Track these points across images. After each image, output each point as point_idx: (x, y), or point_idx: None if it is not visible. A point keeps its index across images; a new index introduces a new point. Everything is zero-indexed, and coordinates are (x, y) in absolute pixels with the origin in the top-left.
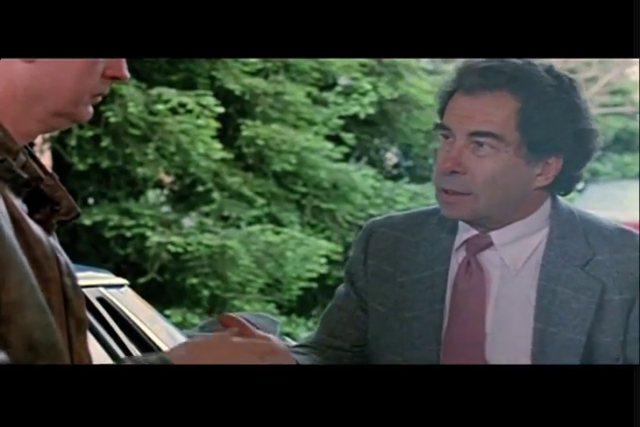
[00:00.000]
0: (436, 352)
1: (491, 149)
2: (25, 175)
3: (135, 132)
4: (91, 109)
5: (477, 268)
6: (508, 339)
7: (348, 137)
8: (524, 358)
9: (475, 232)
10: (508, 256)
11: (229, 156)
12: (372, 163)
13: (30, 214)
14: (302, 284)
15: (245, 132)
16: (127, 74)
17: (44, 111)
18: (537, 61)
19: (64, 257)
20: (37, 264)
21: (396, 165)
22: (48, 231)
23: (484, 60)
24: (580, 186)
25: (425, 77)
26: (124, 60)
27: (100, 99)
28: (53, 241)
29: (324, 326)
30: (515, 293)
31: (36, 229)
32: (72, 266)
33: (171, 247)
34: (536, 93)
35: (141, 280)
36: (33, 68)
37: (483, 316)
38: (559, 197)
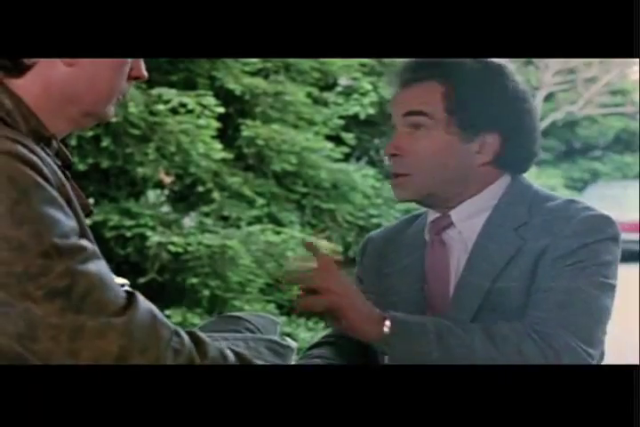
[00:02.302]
0: None
1: (425, 130)
2: (58, 162)
3: (135, 132)
4: (114, 109)
5: (440, 244)
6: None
7: (349, 137)
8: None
9: (438, 215)
10: (467, 230)
11: (229, 156)
12: (372, 163)
13: None
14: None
15: (245, 133)
16: (146, 74)
17: (77, 112)
18: None
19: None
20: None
21: None
22: None
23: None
24: (580, 186)
25: None
26: (142, 61)
27: (121, 98)
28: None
29: None
30: None
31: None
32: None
33: (171, 247)
34: (463, 76)
35: (141, 280)
36: (73, 71)
37: (447, 284)
38: (522, 176)
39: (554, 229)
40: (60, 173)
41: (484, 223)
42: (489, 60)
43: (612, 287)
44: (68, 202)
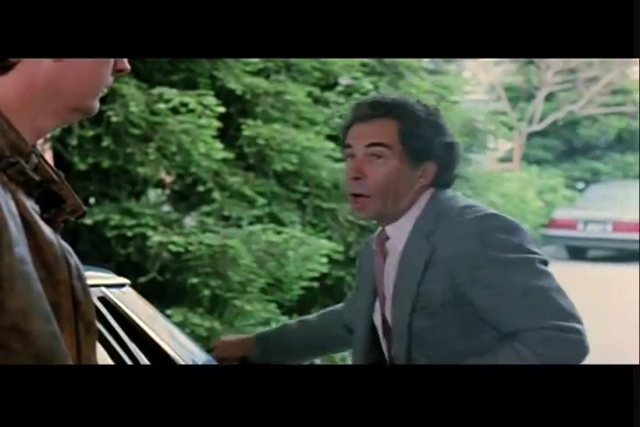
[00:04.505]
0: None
1: (384, 159)
2: (37, 177)
3: (136, 131)
4: (98, 103)
5: (381, 254)
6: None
7: None
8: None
9: (380, 228)
10: (397, 241)
11: (230, 155)
12: None
13: (39, 214)
14: (303, 283)
15: (246, 132)
16: (129, 66)
17: (64, 106)
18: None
19: (74, 259)
20: (47, 267)
21: None
22: (55, 230)
23: (371, 96)
24: (581, 186)
25: (426, 77)
26: None
27: (105, 91)
28: (64, 243)
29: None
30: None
31: (48, 231)
32: (82, 268)
33: (172, 247)
34: (411, 116)
35: (142, 280)
36: (59, 67)
37: (382, 286)
38: (444, 191)
39: (452, 233)
40: (21, 194)
41: (407, 234)
42: (426, 104)
43: (536, 260)
44: (25, 223)
